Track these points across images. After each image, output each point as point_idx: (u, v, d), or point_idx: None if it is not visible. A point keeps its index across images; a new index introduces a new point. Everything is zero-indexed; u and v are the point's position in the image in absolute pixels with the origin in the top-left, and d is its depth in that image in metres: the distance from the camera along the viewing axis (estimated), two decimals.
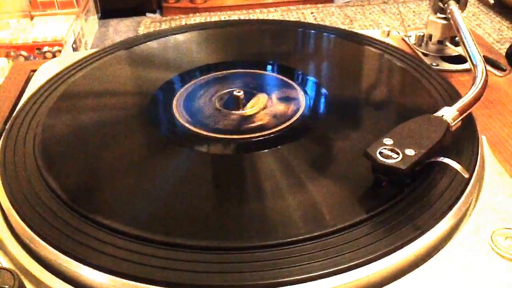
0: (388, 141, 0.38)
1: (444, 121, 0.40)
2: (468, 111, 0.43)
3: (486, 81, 0.47)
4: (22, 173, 0.41)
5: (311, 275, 0.31)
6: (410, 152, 0.36)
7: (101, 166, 0.44)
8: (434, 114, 0.41)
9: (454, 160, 0.37)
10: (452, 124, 0.40)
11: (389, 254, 0.33)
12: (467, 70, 0.60)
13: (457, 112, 0.41)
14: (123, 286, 0.32)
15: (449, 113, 0.41)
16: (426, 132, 0.39)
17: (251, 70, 0.58)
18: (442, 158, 0.37)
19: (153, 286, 0.31)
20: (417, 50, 0.66)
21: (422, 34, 0.66)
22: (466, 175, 0.36)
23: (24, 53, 1.58)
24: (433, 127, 0.39)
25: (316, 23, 2.00)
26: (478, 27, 1.93)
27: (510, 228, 0.36)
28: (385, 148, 0.37)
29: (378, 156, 0.36)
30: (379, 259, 0.32)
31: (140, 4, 2.20)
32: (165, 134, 0.49)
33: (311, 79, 0.56)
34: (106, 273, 0.32)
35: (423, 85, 0.52)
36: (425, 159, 0.37)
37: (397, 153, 0.36)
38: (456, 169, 0.36)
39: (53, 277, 0.33)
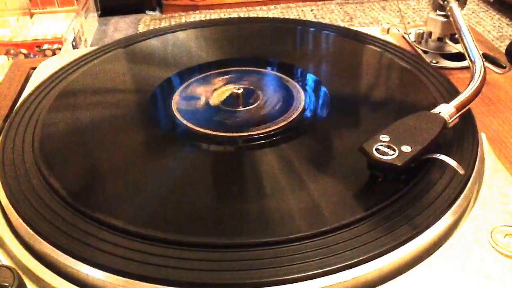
0: (384, 137, 0.38)
1: (441, 118, 0.40)
2: (466, 108, 0.43)
3: (484, 78, 0.47)
4: (22, 171, 0.41)
5: (308, 273, 0.31)
6: (406, 148, 0.36)
7: (100, 164, 0.44)
8: (431, 111, 0.41)
9: (452, 157, 0.37)
10: (449, 121, 0.40)
11: (387, 253, 0.33)
12: (467, 68, 0.59)
13: (454, 109, 0.41)
14: (122, 284, 0.32)
15: (446, 110, 0.41)
16: (422, 129, 0.39)
17: (251, 68, 0.58)
18: (438, 154, 0.37)
19: (153, 284, 0.31)
20: (417, 47, 0.66)
21: (421, 31, 0.66)
22: (462, 172, 0.36)
23: (24, 50, 1.58)
24: (429, 124, 0.39)
25: (316, 20, 2.00)
26: (478, 24, 1.92)
27: (509, 226, 0.36)
28: (381, 145, 0.37)
29: (374, 152, 0.36)
30: (377, 257, 0.32)
31: (139, 1, 2.20)
32: (165, 132, 0.49)
33: (311, 76, 0.56)
34: (105, 271, 0.32)
35: (423, 82, 0.51)
36: (421, 156, 0.37)
37: (393, 150, 0.36)
38: (452, 166, 0.36)
39: (53, 274, 0.33)
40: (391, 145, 0.37)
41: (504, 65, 0.58)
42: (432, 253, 0.34)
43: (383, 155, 0.36)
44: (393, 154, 0.36)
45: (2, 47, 1.56)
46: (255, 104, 0.51)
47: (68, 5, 1.81)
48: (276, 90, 0.54)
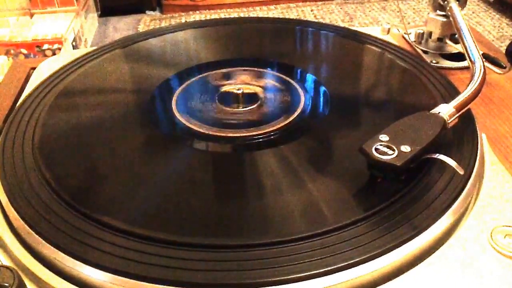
0: (384, 137, 0.38)
1: (440, 118, 0.40)
2: (466, 108, 0.43)
3: (484, 78, 0.47)
4: (22, 171, 0.41)
5: (308, 273, 0.31)
6: (405, 148, 0.37)
7: (100, 164, 0.44)
8: (430, 111, 0.41)
9: (451, 157, 0.37)
10: (449, 121, 0.40)
11: (387, 253, 0.33)
12: (467, 68, 0.59)
13: (454, 109, 0.41)
14: (122, 284, 0.32)
15: (445, 110, 0.41)
16: (422, 129, 0.39)
17: (251, 68, 0.58)
18: (437, 154, 0.37)
19: (153, 284, 0.31)
20: (417, 47, 0.66)
21: (422, 31, 0.66)
22: (461, 172, 0.36)
23: (24, 51, 1.58)
24: (429, 124, 0.39)
25: (316, 21, 2.00)
26: (478, 24, 1.92)
27: (509, 226, 0.36)
28: (380, 145, 0.37)
29: (374, 152, 0.36)
30: (377, 257, 0.32)
31: (139, 1, 2.20)
32: (165, 132, 0.49)
33: (311, 77, 0.56)
34: (105, 271, 0.32)
35: (423, 82, 0.51)
36: (421, 156, 0.37)
37: (393, 150, 0.36)
38: (451, 166, 0.36)
39: (53, 275, 0.33)
40: (391, 145, 0.37)
41: (504, 65, 0.58)
42: (432, 253, 0.34)
43: (383, 155, 0.36)
44: (393, 154, 0.36)
45: (2, 47, 1.57)
46: (255, 105, 0.51)
47: (68, 5, 1.81)
48: (276, 90, 0.54)
